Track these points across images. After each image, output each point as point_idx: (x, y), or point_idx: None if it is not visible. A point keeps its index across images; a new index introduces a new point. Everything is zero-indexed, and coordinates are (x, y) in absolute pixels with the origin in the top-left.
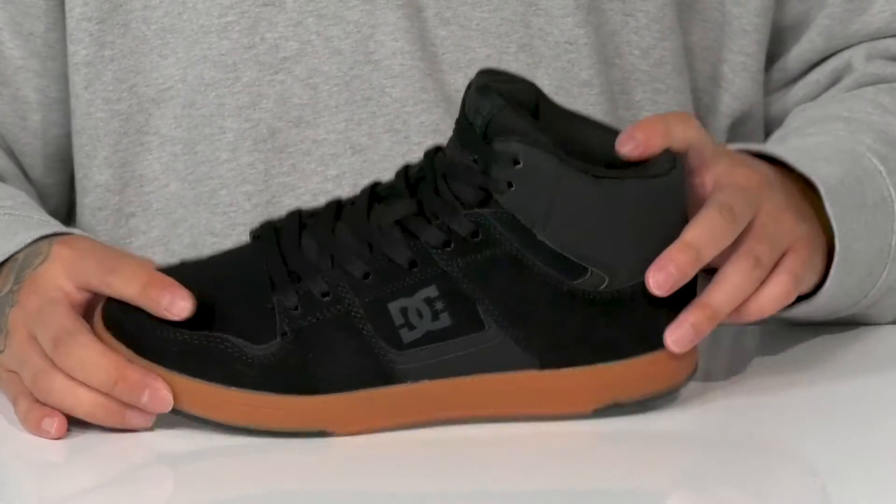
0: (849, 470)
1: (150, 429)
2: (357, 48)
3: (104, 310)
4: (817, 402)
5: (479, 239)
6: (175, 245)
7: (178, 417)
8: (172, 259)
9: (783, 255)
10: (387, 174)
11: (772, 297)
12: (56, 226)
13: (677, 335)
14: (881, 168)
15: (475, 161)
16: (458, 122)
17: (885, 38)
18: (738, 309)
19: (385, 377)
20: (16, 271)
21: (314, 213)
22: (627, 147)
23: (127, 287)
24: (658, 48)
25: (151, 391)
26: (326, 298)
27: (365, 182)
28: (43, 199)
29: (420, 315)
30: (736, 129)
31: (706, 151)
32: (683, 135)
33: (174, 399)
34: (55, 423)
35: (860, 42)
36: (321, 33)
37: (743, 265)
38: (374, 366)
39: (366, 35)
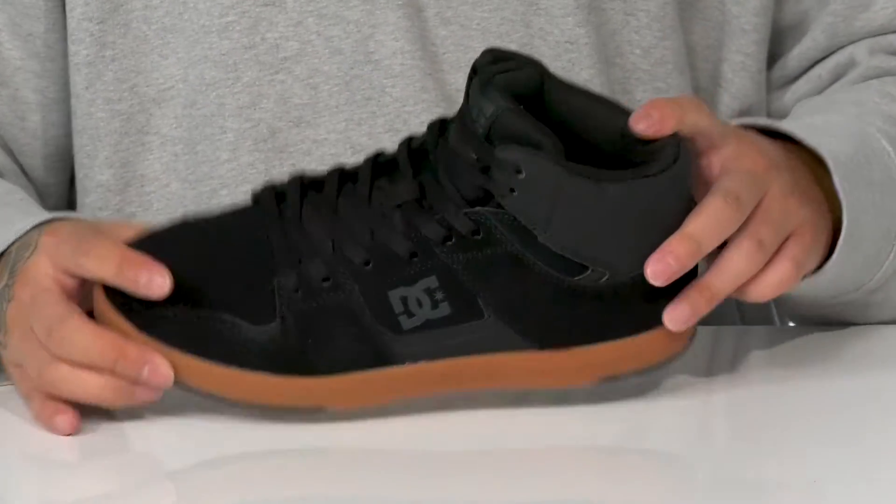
0: (849, 470)
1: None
2: (357, 48)
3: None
4: (817, 402)
5: (479, 237)
6: None
7: (179, 425)
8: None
9: (787, 238)
10: None
11: (772, 284)
12: (50, 214)
13: (675, 315)
14: (889, 149)
15: (477, 160)
16: (461, 113)
17: (887, 34)
18: (738, 291)
19: (383, 359)
20: (10, 265)
21: (316, 182)
22: (642, 125)
23: (102, 269)
24: (659, 47)
25: (151, 367)
26: (326, 283)
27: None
28: (43, 198)
29: (420, 304)
30: None
31: (714, 135)
32: (694, 119)
33: (175, 374)
34: (67, 420)
35: (862, 39)
36: (321, 33)
37: (746, 248)
38: (373, 350)
39: (366, 35)
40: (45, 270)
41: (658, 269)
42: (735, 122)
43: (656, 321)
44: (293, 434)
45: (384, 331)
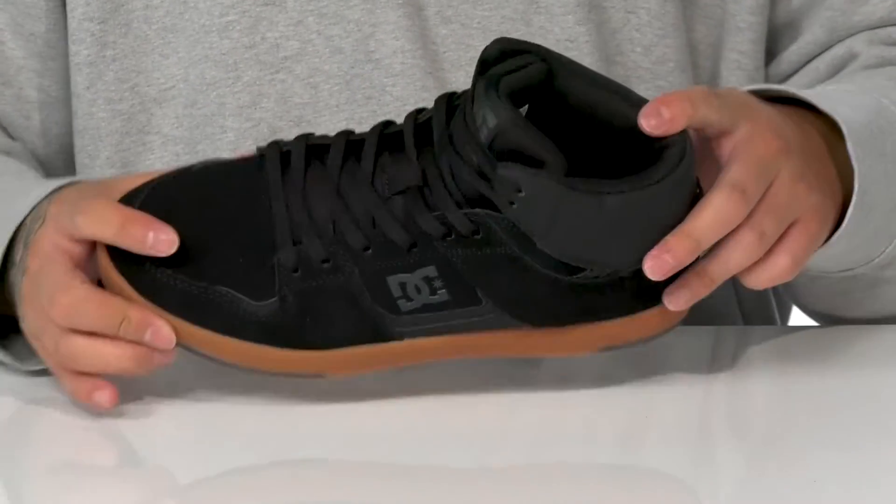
0: (849, 470)
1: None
2: (358, 47)
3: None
4: (817, 402)
5: (479, 237)
6: None
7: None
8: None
9: (791, 225)
10: None
11: (768, 277)
12: (60, 181)
13: (675, 298)
14: None
15: (479, 166)
16: (465, 112)
17: (886, 26)
18: (736, 275)
19: (382, 337)
20: (25, 238)
21: (321, 149)
22: (652, 122)
23: (101, 229)
24: (660, 45)
25: (154, 329)
26: (326, 265)
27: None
28: None
29: (418, 290)
30: None
31: (725, 123)
32: (704, 113)
33: (177, 338)
34: (106, 395)
35: (861, 32)
36: (322, 32)
37: (746, 241)
38: (372, 328)
39: (366, 34)
40: (51, 239)
41: (656, 267)
42: (748, 88)
43: (653, 300)
44: (298, 442)
45: (383, 312)
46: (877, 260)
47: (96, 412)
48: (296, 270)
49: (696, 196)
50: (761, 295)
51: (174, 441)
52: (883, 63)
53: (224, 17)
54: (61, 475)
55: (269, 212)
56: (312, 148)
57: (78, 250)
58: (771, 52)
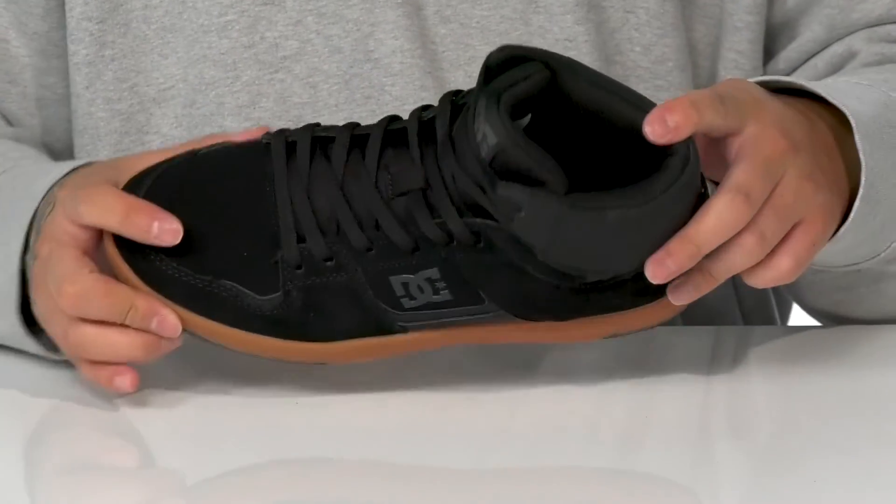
0: (849, 470)
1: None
2: (357, 47)
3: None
4: (817, 402)
5: (480, 245)
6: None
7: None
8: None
9: (796, 226)
10: None
11: (770, 278)
12: (72, 164)
13: (678, 292)
14: None
15: (480, 180)
16: (466, 125)
17: (884, 24)
18: (738, 275)
19: (385, 330)
20: (37, 223)
21: (327, 142)
22: (657, 131)
23: (104, 217)
24: (659, 45)
25: (160, 318)
26: (329, 263)
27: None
28: None
29: (421, 290)
30: None
31: (732, 126)
32: (710, 120)
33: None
34: (127, 380)
35: (860, 30)
36: (321, 32)
37: (748, 242)
38: (375, 322)
39: (365, 33)
40: (60, 225)
41: (657, 271)
42: (756, 79)
43: (656, 294)
44: (298, 440)
45: (386, 308)
46: (883, 254)
47: (96, 412)
48: (299, 267)
49: (701, 195)
50: (761, 294)
51: (174, 439)
52: (883, 61)
53: (223, 16)
54: (62, 474)
55: (274, 205)
56: (318, 140)
57: (85, 236)
58: (769, 52)
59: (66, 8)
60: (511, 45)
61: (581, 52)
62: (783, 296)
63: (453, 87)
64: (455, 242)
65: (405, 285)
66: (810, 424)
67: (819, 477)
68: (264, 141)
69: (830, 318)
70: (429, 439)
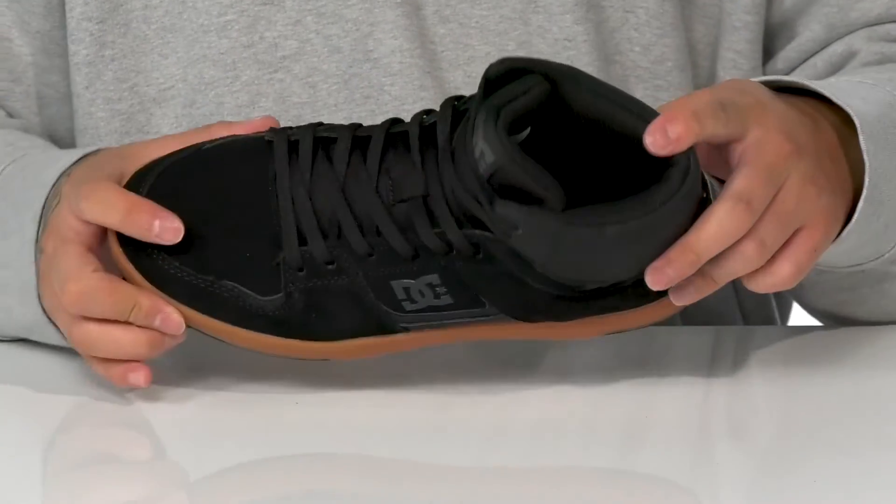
0: (849, 470)
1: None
2: (356, 46)
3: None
4: (817, 402)
5: (479, 256)
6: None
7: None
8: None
9: (797, 231)
10: None
11: (770, 284)
12: (78, 153)
13: (679, 294)
14: None
15: (478, 194)
16: (465, 138)
17: (884, 23)
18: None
19: (387, 330)
20: (45, 217)
21: (329, 142)
22: (658, 142)
23: (105, 215)
24: (659, 45)
25: (163, 316)
26: (330, 267)
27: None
28: None
29: (422, 294)
30: None
31: (734, 133)
32: (711, 129)
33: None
34: (141, 375)
35: (859, 29)
36: (320, 32)
37: (748, 250)
38: (377, 323)
39: (365, 33)
40: (65, 220)
41: (657, 279)
42: (760, 79)
43: (656, 295)
44: (298, 438)
45: (388, 310)
46: (887, 255)
47: (97, 408)
48: (301, 270)
49: (703, 200)
50: (762, 295)
51: (176, 436)
52: (883, 60)
53: (222, 16)
54: (64, 470)
55: (276, 205)
56: (320, 140)
57: (89, 232)
58: (768, 51)
59: (67, 8)
60: (511, 57)
61: (580, 51)
62: (784, 296)
63: (452, 86)
64: (454, 252)
65: (406, 289)
66: (811, 425)
67: (819, 477)
68: (267, 139)
69: (833, 319)
70: (429, 439)
